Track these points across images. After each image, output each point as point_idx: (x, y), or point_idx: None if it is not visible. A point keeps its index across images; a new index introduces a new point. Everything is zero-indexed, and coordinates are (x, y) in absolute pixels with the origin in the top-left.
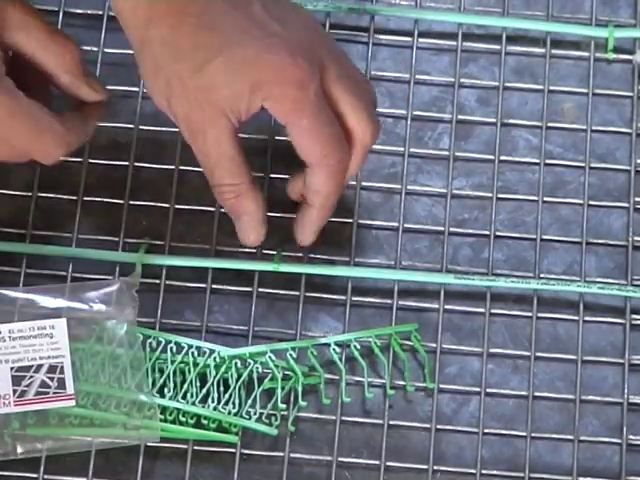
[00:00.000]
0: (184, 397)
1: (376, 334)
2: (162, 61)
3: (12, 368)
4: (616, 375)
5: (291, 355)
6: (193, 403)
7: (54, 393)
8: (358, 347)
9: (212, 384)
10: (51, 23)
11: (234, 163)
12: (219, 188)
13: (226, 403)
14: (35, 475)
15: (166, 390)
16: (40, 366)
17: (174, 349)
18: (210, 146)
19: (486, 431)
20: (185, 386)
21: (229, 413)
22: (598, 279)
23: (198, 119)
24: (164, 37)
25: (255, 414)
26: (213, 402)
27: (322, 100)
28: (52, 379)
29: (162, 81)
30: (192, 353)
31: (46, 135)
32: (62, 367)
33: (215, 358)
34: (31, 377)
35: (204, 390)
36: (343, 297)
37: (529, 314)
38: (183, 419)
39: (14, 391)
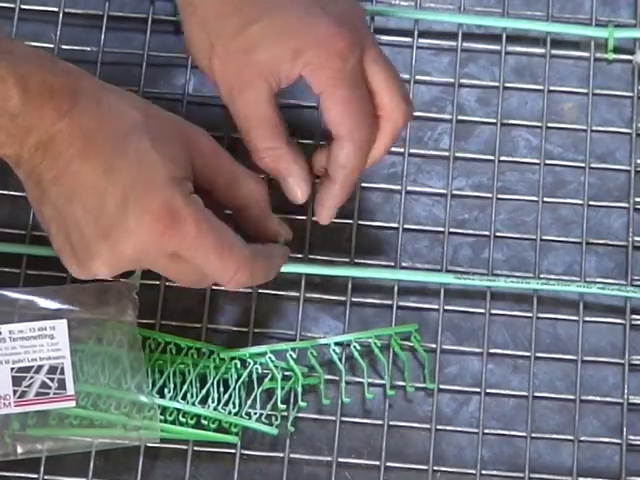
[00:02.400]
0: (184, 398)
1: (376, 335)
2: (206, 21)
3: (12, 369)
4: (616, 375)
5: (291, 356)
6: (193, 404)
7: (54, 394)
8: (358, 348)
9: (212, 384)
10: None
11: (271, 126)
12: (257, 152)
13: (226, 403)
14: (35, 476)
15: (166, 391)
16: (40, 367)
17: (174, 350)
18: (248, 108)
19: (486, 431)
20: (185, 387)
21: (229, 413)
22: (598, 279)
23: (238, 80)
24: (210, 1)
25: (255, 414)
26: (213, 402)
27: (359, 76)
28: (52, 380)
29: (205, 41)
30: (192, 354)
31: (231, 254)
32: (62, 368)
33: (215, 359)
34: (31, 378)
35: (204, 391)
36: (343, 297)
37: (529, 314)
38: (183, 420)
39: (14, 391)
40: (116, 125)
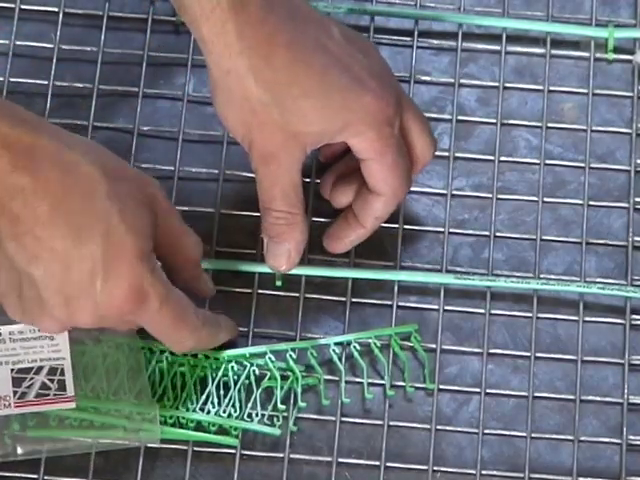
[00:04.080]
0: (184, 404)
1: (376, 335)
2: (251, 91)
3: (12, 370)
4: (616, 375)
5: (291, 356)
6: (194, 410)
7: (54, 395)
8: (358, 348)
9: (211, 390)
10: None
11: (297, 192)
12: (275, 213)
13: (226, 407)
14: (35, 476)
15: (165, 399)
16: (41, 368)
17: (169, 358)
18: (282, 173)
19: (486, 431)
20: (184, 393)
21: (229, 416)
22: (598, 279)
23: (276, 147)
24: (257, 68)
25: (257, 415)
26: (214, 407)
27: (400, 134)
28: (52, 381)
29: (246, 110)
30: (188, 360)
31: (185, 325)
32: (62, 369)
33: (212, 364)
34: (32, 379)
35: (203, 397)
36: (343, 297)
37: (529, 314)
38: (183, 421)
39: (14, 392)
40: (82, 188)
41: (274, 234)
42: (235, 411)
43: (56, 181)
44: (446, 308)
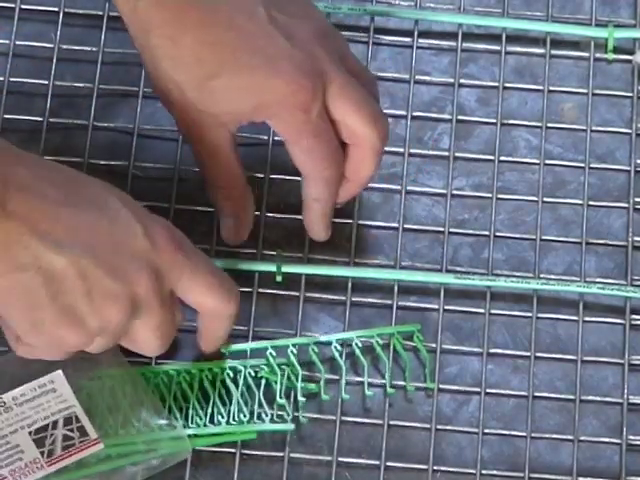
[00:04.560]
0: (192, 421)
1: (378, 333)
2: (163, 70)
3: (30, 432)
4: (616, 375)
5: (292, 351)
6: (205, 424)
7: (80, 442)
8: (360, 345)
9: (214, 402)
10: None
11: (229, 169)
12: (210, 187)
13: (233, 415)
14: None
15: (174, 421)
16: (55, 422)
17: (165, 379)
18: (207, 151)
19: (486, 431)
20: (190, 411)
21: (240, 422)
22: (598, 279)
23: (197, 126)
24: (165, 49)
25: (267, 415)
26: (223, 417)
27: (323, 118)
28: (72, 430)
29: (162, 85)
30: (184, 377)
31: (220, 270)
32: (76, 416)
33: (207, 375)
34: (52, 435)
35: (209, 409)
36: (343, 297)
37: (529, 314)
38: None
39: (42, 453)
40: (69, 172)
41: (217, 207)
42: (245, 416)
43: (42, 166)
44: (446, 308)
